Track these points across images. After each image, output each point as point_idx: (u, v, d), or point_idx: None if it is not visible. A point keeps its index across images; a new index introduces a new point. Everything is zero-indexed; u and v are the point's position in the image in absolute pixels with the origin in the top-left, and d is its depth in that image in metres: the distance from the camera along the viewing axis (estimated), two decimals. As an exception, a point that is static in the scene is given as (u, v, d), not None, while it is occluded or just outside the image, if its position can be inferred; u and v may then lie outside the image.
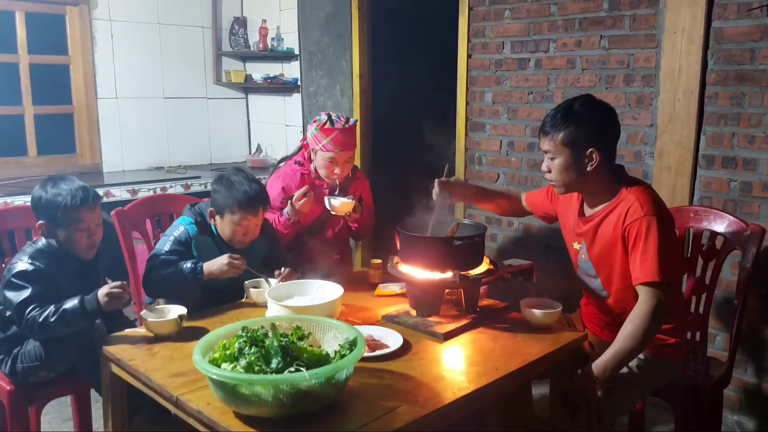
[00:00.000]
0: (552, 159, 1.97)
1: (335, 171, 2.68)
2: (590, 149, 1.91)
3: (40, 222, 2.07)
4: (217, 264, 2.16)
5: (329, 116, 2.66)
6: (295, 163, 2.78)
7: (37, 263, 2.00)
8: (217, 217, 2.30)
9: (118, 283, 1.94)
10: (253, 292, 2.18)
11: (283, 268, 2.29)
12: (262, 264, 2.38)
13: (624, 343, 1.84)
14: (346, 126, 2.65)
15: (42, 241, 2.08)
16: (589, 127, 1.91)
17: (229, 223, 2.26)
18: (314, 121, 2.69)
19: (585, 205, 2.08)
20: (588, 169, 1.93)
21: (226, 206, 2.25)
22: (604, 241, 1.98)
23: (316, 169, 2.74)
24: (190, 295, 2.17)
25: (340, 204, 2.60)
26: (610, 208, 1.96)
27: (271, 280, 2.24)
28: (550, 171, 1.99)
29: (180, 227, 2.30)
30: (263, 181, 2.58)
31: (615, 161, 2.00)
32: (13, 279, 1.97)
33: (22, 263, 2.00)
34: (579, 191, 2.05)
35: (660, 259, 1.82)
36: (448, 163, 2.35)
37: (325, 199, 2.63)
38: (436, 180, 2.26)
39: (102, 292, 1.91)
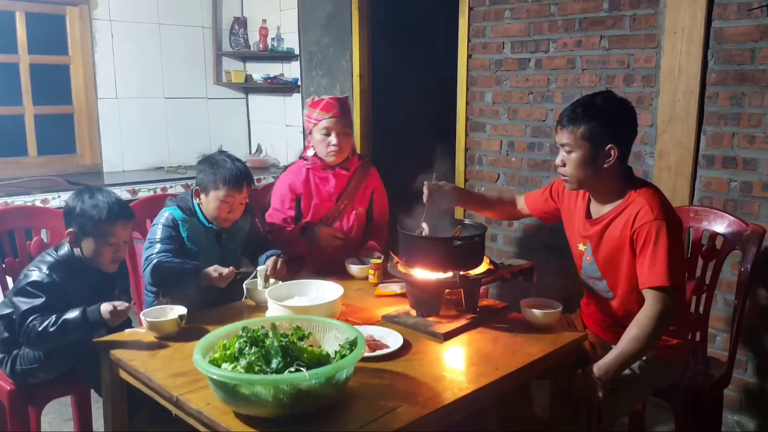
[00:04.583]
0: (569, 153, 1.95)
1: (332, 142, 2.60)
2: (609, 145, 1.89)
3: (70, 230, 2.05)
4: (208, 274, 2.17)
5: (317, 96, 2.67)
6: (301, 158, 2.77)
7: (54, 275, 1.98)
8: (202, 195, 2.33)
9: (126, 304, 1.93)
10: (254, 292, 2.19)
11: (268, 262, 2.30)
12: (245, 243, 2.47)
13: (628, 345, 1.84)
14: (335, 96, 2.64)
15: (65, 249, 2.06)
16: (611, 123, 1.90)
17: (215, 199, 2.29)
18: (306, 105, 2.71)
19: (592, 207, 2.07)
20: (605, 165, 1.92)
21: (211, 183, 2.29)
22: (611, 243, 1.97)
23: (321, 160, 2.67)
24: (189, 290, 2.18)
25: (359, 270, 2.50)
26: (618, 211, 1.95)
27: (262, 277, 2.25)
28: (564, 165, 1.98)
29: (165, 213, 2.33)
30: (265, 182, 2.59)
31: (628, 161, 2.00)
32: (26, 287, 1.95)
33: (39, 273, 1.97)
34: (590, 189, 2.04)
35: (669, 263, 1.81)
36: (435, 171, 2.29)
37: (346, 264, 2.55)
38: (425, 183, 2.23)
39: (106, 308, 1.89)
